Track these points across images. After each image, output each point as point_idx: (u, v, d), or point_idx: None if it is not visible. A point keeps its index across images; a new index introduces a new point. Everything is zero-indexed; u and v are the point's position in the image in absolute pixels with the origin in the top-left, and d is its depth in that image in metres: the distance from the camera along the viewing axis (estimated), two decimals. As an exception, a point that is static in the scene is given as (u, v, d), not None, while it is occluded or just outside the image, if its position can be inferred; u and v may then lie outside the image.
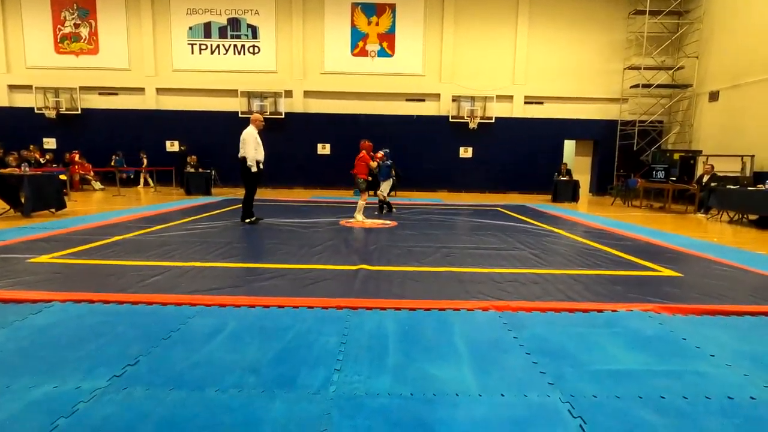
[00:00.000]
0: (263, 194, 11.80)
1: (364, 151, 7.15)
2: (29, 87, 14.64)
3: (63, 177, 9.82)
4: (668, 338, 2.58)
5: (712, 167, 10.45)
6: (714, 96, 12.92)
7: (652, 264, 4.48)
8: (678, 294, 3.44)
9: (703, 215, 9.41)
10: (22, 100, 14.85)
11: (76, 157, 13.17)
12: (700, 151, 12.85)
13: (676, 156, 12.84)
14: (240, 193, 6.77)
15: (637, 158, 14.43)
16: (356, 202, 7.27)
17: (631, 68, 14.28)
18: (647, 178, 11.66)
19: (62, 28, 14.84)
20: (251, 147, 6.40)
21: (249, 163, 6.42)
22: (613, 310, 3.01)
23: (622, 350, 2.40)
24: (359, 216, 7.03)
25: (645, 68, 13.97)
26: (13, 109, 14.89)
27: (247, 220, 6.66)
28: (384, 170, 8.23)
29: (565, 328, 2.69)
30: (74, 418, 1.68)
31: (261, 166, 6.60)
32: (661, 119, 14.70)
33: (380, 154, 7.84)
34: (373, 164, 7.31)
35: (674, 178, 11.53)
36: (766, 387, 2.02)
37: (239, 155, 6.48)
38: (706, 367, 2.21)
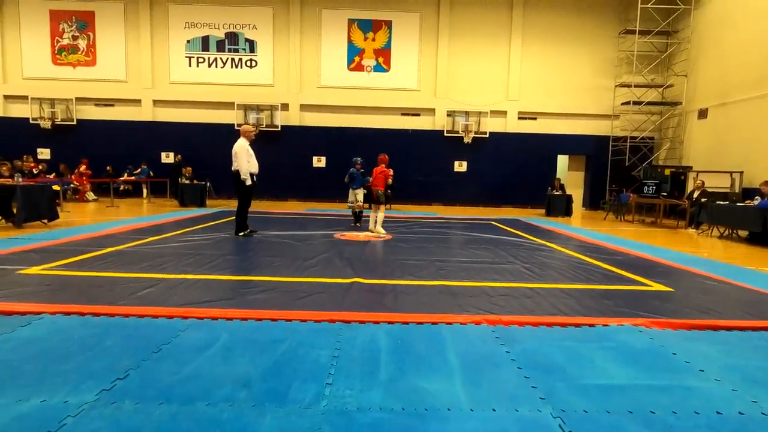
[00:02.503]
0: (258, 206, 11.77)
1: (383, 165, 7.31)
2: (25, 97, 14.64)
3: (56, 188, 9.77)
4: (658, 353, 2.60)
5: (703, 183, 10.61)
6: (703, 113, 13.18)
7: (643, 279, 4.52)
8: (668, 309, 3.47)
9: (694, 230, 9.52)
10: (18, 111, 14.84)
11: (83, 168, 13.01)
12: (690, 167, 13.06)
13: (667, 172, 13.03)
14: (235, 204, 6.75)
15: (628, 173, 14.61)
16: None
17: (622, 86, 14.56)
18: (639, 194, 11.80)
19: (60, 39, 14.91)
20: (244, 160, 6.40)
21: (243, 176, 6.40)
22: (604, 325, 3.03)
23: (613, 365, 2.41)
24: (380, 228, 7.18)
25: (635, 86, 14.25)
26: (8, 119, 14.86)
27: (241, 233, 6.62)
28: (358, 179, 8.11)
29: (556, 343, 2.70)
30: (61, 432, 1.66)
31: (255, 178, 6.61)
32: (651, 135, 14.94)
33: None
34: (389, 181, 7.58)
35: (665, 194, 11.68)
36: (754, 402, 2.04)
37: (232, 168, 6.48)
38: (696, 382, 2.23)
